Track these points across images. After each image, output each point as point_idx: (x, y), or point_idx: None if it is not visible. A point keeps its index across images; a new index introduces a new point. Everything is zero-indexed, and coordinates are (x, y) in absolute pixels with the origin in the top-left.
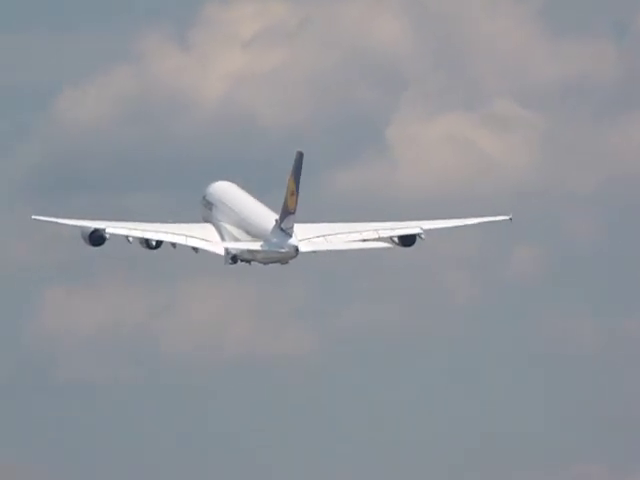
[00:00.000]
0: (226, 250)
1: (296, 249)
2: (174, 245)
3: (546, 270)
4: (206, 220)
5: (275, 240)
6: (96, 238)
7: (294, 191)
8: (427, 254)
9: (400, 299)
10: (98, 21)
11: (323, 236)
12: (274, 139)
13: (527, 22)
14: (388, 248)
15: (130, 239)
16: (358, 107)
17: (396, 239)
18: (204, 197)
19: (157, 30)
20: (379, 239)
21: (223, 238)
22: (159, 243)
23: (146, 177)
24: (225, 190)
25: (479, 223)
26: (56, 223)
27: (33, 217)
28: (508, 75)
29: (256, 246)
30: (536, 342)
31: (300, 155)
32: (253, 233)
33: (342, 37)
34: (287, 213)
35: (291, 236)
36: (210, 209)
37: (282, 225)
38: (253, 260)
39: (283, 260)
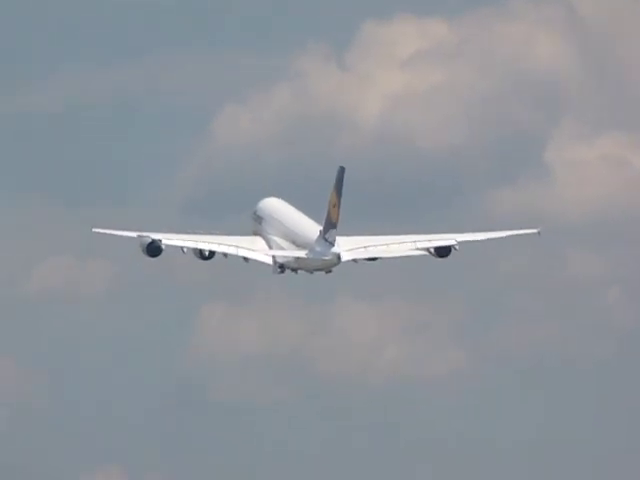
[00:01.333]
0: (274, 259)
1: (338, 256)
2: (226, 255)
3: None
4: (256, 233)
5: (319, 249)
6: (153, 249)
7: (336, 204)
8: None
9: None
10: (258, 40)
11: (364, 247)
12: (432, 159)
13: None
14: (424, 257)
15: (184, 250)
16: (516, 127)
17: (432, 250)
18: (254, 212)
19: (316, 49)
20: (416, 249)
21: (271, 249)
22: (212, 254)
23: (305, 197)
24: (274, 205)
25: (508, 236)
26: (116, 235)
27: (93, 230)
28: None
29: (301, 254)
30: None
31: (342, 169)
32: (299, 243)
33: (501, 57)
34: (330, 224)
35: (333, 245)
36: (260, 223)
37: (325, 235)
38: (299, 268)
39: (326, 267)
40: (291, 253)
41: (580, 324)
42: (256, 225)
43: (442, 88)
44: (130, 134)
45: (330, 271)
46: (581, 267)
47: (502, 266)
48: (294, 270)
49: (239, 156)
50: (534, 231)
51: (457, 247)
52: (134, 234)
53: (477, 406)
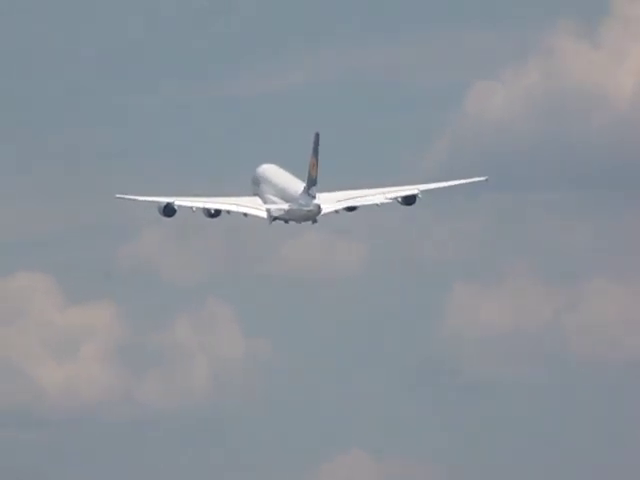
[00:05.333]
0: (268, 213)
1: (318, 207)
2: (229, 212)
3: None
4: (255, 194)
5: (302, 201)
6: (169, 210)
7: (314, 164)
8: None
9: None
10: (506, 16)
11: (344, 200)
12: None
13: None
14: (393, 204)
15: (194, 209)
16: None
17: (399, 199)
18: (253, 176)
19: (567, 25)
20: (386, 199)
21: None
22: (217, 212)
23: (558, 175)
24: (269, 169)
25: (460, 184)
26: (136, 200)
27: (116, 196)
28: None
29: (286, 206)
30: None
31: (317, 135)
32: (287, 198)
33: None
34: (311, 181)
35: (314, 198)
36: (258, 185)
37: (308, 190)
38: (289, 219)
39: (311, 217)
40: (279, 205)
41: None
42: (254, 187)
43: None
44: (387, 111)
45: (315, 221)
46: None
47: None
48: (285, 221)
49: (491, 132)
50: (482, 179)
51: (420, 195)
52: (155, 199)
53: None
